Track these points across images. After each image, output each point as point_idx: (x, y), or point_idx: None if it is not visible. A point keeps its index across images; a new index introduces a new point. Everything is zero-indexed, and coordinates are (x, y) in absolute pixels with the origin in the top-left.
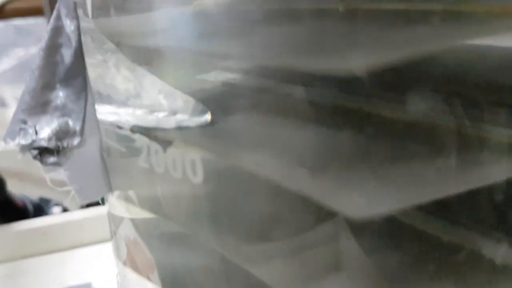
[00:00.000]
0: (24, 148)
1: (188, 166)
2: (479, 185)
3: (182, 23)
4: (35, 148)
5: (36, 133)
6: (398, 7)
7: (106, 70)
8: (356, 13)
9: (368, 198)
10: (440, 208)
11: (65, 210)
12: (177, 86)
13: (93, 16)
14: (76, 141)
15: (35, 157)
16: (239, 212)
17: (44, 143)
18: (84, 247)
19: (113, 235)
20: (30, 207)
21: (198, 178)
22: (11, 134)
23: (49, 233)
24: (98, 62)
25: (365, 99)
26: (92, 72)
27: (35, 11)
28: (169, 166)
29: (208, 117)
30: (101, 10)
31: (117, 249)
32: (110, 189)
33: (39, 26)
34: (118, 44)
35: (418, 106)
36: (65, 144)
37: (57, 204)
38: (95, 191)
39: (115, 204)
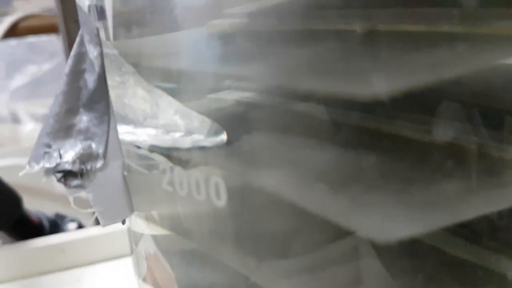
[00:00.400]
0: (48, 172)
1: (211, 190)
2: (502, 207)
3: (199, 45)
4: (59, 172)
5: (61, 156)
6: (418, 29)
7: (124, 91)
8: (376, 34)
9: (390, 221)
10: (463, 229)
11: (80, 225)
12: (193, 104)
13: (114, 38)
14: (99, 164)
15: (59, 180)
16: (260, 232)
17: (68, 167)
18: (101, 263)
19: (133, 250)
20: (46, 223)
21: (221, 201)
22: (35, 158)
23: (66, 249)
24: (117, 84)
25: (387, 119)
26: (110, 93)
27: (49, 29)
28: (192, 189)
29: (224, 137)
30: (121, 32)
31: (137, 264)
32: (132, 211)
33: (52, 43)
34: (136, 66)
35: (440, 127)
36: (88, 167)
37: (72, 220)
38: (118, 213)
39: (136, 221)
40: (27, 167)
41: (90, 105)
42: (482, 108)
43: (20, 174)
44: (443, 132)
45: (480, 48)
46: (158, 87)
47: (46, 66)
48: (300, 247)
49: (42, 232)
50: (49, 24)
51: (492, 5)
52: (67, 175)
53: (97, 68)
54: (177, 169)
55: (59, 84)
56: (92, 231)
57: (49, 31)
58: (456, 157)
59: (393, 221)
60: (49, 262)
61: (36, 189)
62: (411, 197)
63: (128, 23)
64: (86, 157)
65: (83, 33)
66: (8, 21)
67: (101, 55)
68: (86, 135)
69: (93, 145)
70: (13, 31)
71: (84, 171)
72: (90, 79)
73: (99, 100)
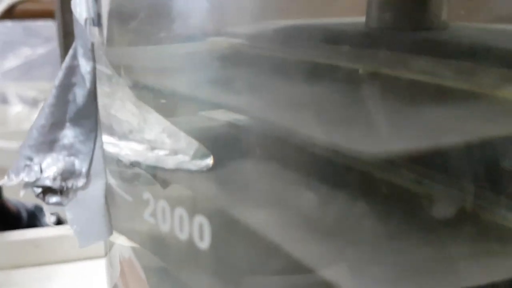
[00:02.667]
0: (27, 185)
1: (195, 230)
2: (503, 278)
3: (193, 62)
4: (38, 186)
5: (41, 171)
6: (419, 78)
7: (112, 101)
8: (379, 79)
9: (374, 282)
10: None
11: (59, 219)
12: (183, 120)
13: (108, 45)
14: (81, 182)
15: (37, 196)
16: (242, 271)
17: (48, 182)
18: (74, 262)
19: (107, 252)
20: (24, 214)
21: (204, 243)
22: (15, 170)
23: (41, 245)
24: (105, 93)
25: (385, 168)
26: (98, 102)
27: (45, 14)
28: (175, 226)
29: (210, 161)
30: (116, 39)
31: (110, 267)
32: (111, 233)
33: (48, 28)
34: (128, 74)
35: (443, 184)
36: (69, 185)
37: (52, 213)
38: (96, 234)
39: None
40: (6, 178)
41: (77, 121)
42: (489, 172)
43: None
44: (446, 191)
45: (492, 112)
46: (148, 98)
47: (40, 50)
48: (276, 282)
49: (19, 222)
50: (46, 9)
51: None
52: (46, 191)
53: (88, 83)
54: (161, 202)
55: (48, 97)
56: (68, 228)
57: (45, 16)
58: (458, 220)
59: (377, 280)
60: (23, 257)
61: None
62: (401, 258)
63: (124, 30)
64: (68, 174)
65: (77, 46)
66: (5, 2)
67: (94, 70)
68: (70, 151)
69: (76, 162)
70: (10, 13)
71: (65, 189)
72: (79, 94)
73: (87, 116)
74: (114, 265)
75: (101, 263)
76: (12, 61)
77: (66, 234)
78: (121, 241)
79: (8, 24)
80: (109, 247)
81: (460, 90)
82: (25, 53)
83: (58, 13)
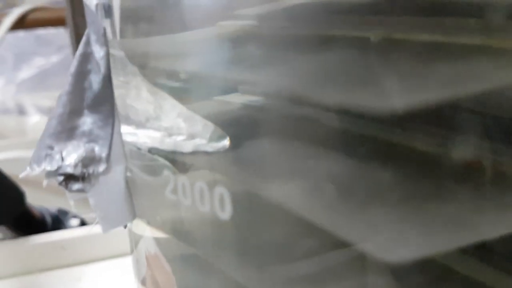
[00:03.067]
0: (49, 174)
1: (216, 201)
2: None
3: (207, 46)
4: (60, 175)
5: (62, 159)
6: (436, 39)
7: (127, 91)
8: (391, 43)
9: (399, 240)
10: (479, 250)
11: (83, 222)
12: (199, 106)
13: (121, 37)
14: (101, 167)
15: (60, 183)
16: (264, 242)
17: (70, 170)
18: (102, 262)
19: (133, 249)
20: (48, 219)
21: (225, 214)
22: (37, 160)
23: (67, 247)
24: (120, 83)
25: (401, 131)
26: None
27: (57, 22)
28: (196, 199)
29: (226, 142)
30: (128, 31)
31: (136, 263)
32: (134, 217)
33: (60, 36)
34: (142, 65)
35: (458, 142)
36: (91, 171)
37: (75, 216)
38: (119, 218)
39: (137, 223)
40: (28, 168)
41: (94, 107)
42: (501, 124)
43: (21, 176)
44: (459, 147)
45: (500, 62)
46: (164, 86)
47: (54, 59)
48: (303, 258)
49: (44, 227)
50: (57, 17)
51: None
52: (68, 179)
53: (102, 69)
54: (181, 178)
55: (64, 85)
56: (93, 228)
57: (57, 24)
58: (472, 174)
59: (402, 240)
60: (49, 259)
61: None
62: (422, 215)
63: (135, 21)
64: (88, 160)
65: (90, 33)
66: (16, 13)
67: (107, 56)
68: (90, 137)
69: (96, 148)
70: (21, 23)
71: (86, 175)
72: (95, 80)
73: (103, 102)
74: (140, 261)
75: (128, 261)
76: (26, 72)
77: (92, 234)
78: (145, 233)
79: (20, 34)
80: (134, 243)
81: (470, 46)
82: (39, 62)
83: (69, 20)
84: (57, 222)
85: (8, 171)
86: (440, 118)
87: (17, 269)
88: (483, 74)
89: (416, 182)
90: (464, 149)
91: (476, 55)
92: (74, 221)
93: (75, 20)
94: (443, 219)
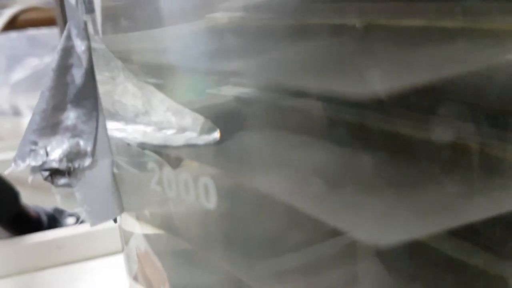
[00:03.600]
0: (34, 170)
1: (201, 191)
2: (505, 210)
3: (194, 39)
4: (46, 170)
5: (47, 154)
6: (418, 23)
7: (113, 87)
8: (375, 30)
9: (386, 224)
10: (469, 232)
11: (79, 219)
12: (187, 101)
13: (103, 33)
14: (87, 162)
15: (46, 179)
16: (252, 233)
17: (55, 165)
18: (97, 259)
19: (123, 247)
20: (44, 218)
21: (211, 203)
22: (21, 156)
23: (62, 245)
24: (106, 79)
25: (385, 117)
26: (99, 89)
27: (48, 22)
28: (181, 190)
29: (217, 135)
30: (111, 26)
31: (127, 261)
32: (122, 210)
33: (53, 36)
34: (127, 61)
35: (441, 126)
36: (76, 165)
37: (71, 215)
38: (106, 212)
39: (126, 220)
40: (13, 164)
41: (77, 101)
42: (485, 107)
43: (6, 172)
44: (444, 131)
45: (482, 44)
46: (151, 82)
47: (47, 59)
48: (293, 248)
49: (40, 226)
50: (50, 17)
51: None
52: (54, 173)
53: (84, 63)
54: (166, 169)
55: (46, 80)
56: (88, 226)
57: (49, 24)
58: (458, 158)
59: (390, 224)
60: (45, 258)
61: (36, 182)
62: (409, 199)
63: (118, 16)
64: (73, 155)
65: (70, 27)
66: (8, 13)
67: (89, 49)
68: (74, 132)
69: (81, 143)
70: (13, 24)
71: (72, 169)
72: (77, 75)
73: (87, 96)
74: (131, 258)
75: (121, 258)
76: (20, 73)
77: (87, 233)
78: (135, 229)
79: (13, 35)
80: (125, 241)
81: (452, 29)
82: (32, 63)
83: (59, 19)
84: (53, 221)
85: (3, 172)
86: (424, 102)
87: (13, 269)
88: (464, 56)
89: (402, 167)
90: (449, 133)
91: (457, 38)
92: (71, 219)
93: (65, 19)
94: (431, 202)
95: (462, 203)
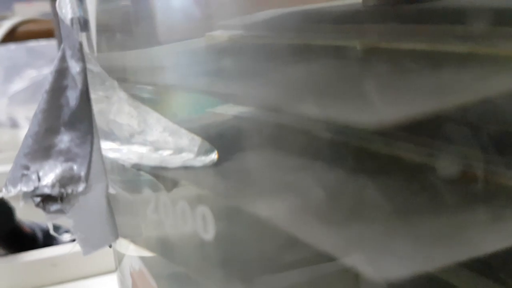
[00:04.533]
0: (26, 196)
1: (198, 221)
2: None
3: (193, 58)
4: (37, 196)
5: (39, 179)
6: (421, 47)
7: (108, 106)
8: (376, 52)
9: (391, 258)
10: (477, 263)
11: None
12: (185, 119)
13: (98, 51)
14: (81, 187)
15: (37, 205)
16: (249, 257)
17: (47, 190)
18: (93, 278)
19: (117, 265)
20: (39, 235)
21: (209, 234)
22: (12, 181)
23: (58, 263)
24: (101, 98)
25: (390, 141)
26: (94, 108)
27: (47, 34)
28: (178, 219)
29: (214, 156)
30: (106, 44)
31: (121, 280)
32: (117, 237)
33: (51, 48)
34: (122, 80)
35: (449, 152)
36: (69, 191)
37: (67, 231)
38: (100, 239)
39: (120, 242)
40: (3, 190)
41: (71, 124)
42: (492, 133)
43: None
44: (452, 158)
45: (488, 71)
46: (147, 100)
47: (46, 71)
48: (290, 273)
49: (36, 243)
50: (48, 29)
51: (503, 23)
52: (46, 199)
53: (79, 84)
54: (162, 197)
55: (39, 102)
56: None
57: (48, 36)
58: (466, 186)
59: (396, 256)
60: (41, 277)
61: None
62: (415, 229)
63: (113, 35)
64: (66, 180)
65: (65, 48)
66: (6, 25)
67: (84, 71)
68: (67, 156)
69: (75, 167)
70: (12, 36)
71: (65, 195)
72: (72, 97)
73: (81, 119)
74: (125, 277)
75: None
76: (18, 84)
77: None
78: (129, 251)
79: (12, 47)
80: (119, 260)
81: (457, 54)
82: (31, 75)
83: (57, 32)
84: (49, 237)
85: (0, 185)
86: (429, 128)
87: (7, 287)
88: (470, 83)
89: (407, 195)
90: (455, 160)
91: (463, 63)
92: (67, 236)
93: None
94: (436, 233)
95: (470, 234)
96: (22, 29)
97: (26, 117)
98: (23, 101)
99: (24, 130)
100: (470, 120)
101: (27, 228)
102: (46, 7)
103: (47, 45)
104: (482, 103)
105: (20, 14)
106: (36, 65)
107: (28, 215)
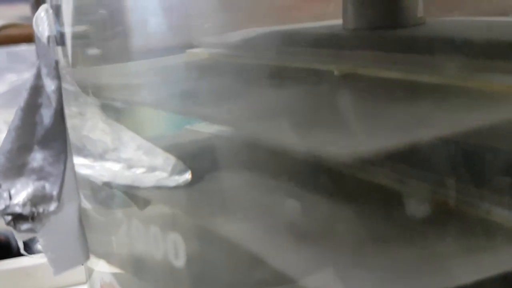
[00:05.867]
0: None
1: (170, 248)
2: (493, 273)
3: (170, 75)
4: (8, 214)
5: (10, 197)
6: (396, 76)
7: (82, 122)
8: (354, 79)
9: (361, 285)
10: None
11: None
12: (160, 136)
13: (73, 65)
14: (52, 206)
15: (8, 224)
16: (219, 282)
17: (18, 209)
18: None
19: (87, 278)
20: (14, 243)
21: (180, 261)
22: None
23: (32, 273)
24: (74, 114)
25: (369, 168)
26: (67, 123)
27: (28, 38)
28: (150, 244)
29: (188, 176)
30: (82, 58)
31: None
32: (88, 257)
33: (32, 53)
34: (96, 96)
35: (428, 182)
36: (40, 210)
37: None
38: (71, 260)
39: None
40: None
41: (45, 143)
42: (471, 164)
43: None
44: (427, 186)
45: (466, 103)
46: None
47: (26, 75)
48: None
49: (9, 251)
50: (29, 34)
51: (484, 56)
52: (17, 218)
53: (54, 103)
54: (134, 221)
55: (13, 119)
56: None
57: (29, 41)
58: (441, 216)
59: (364, 283)
60: (14, 286)
61: None
62: (387, 258)
63: (88, 48)
64: (38, 198)
65: (41, 66)
66: None
67: (59, 89)
68: (40, 174)
69: (47, 186)
70: None
71: (36, 214)
72: (46, 115)
73: (55, 138)
74: None
75: None
76: None
77: None
78: (100, 267)
79: None
80: (89, 273)
81: (434, 85)
82: (11, 79)
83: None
84: (24, 246)
85: None
86: (403, 155)
87: None
88: (447, 115)
89: (380, 220)
90: (429, 189)
91: (436, 95)
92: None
93: None
94: (408, 262)
95: (445, 266)
96: (2, 33)
97: (5, 121)
98: (3, 105)
99: (2, 134)
100: (445, 150)
101: (1, 236)
102: (26, 11)
103: (28, 50)
104: (457, 134)
105: (1, 18)
106: (16, 69)
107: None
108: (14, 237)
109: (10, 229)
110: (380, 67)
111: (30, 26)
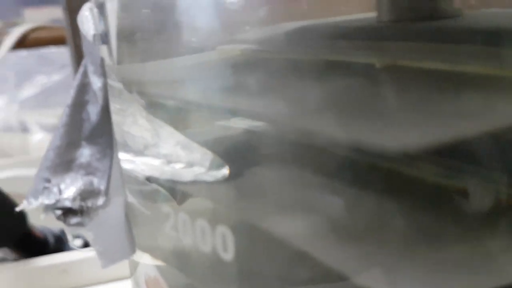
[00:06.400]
0: (47, 208)
1: (218, 241)
2: None
3: (205, 71)
4: (58, 208)
5: (60, 192)
6: (441, 67)
7: (123, 118)
8: (396, 71)
9: (410, 283)
10: None
11: (85, 242)
12: (196, 132)
13: (118, 63)
14: (100, 201)
15: (58, 218)
16: (265, 277)
17: (68, 203)
18: (105, 284)
19: (132, 272)
20: (51, 239)
21: (228, 255)
22: (34, 193)
23: (69, 269)
24: (116, 110)
25: (416, 163)
26: None
27: (58, 41)
28: (198, 238)
29: (226, 171)
30: (126, 57)
31: (136, 287)
32: (134, 251)
33: (62, 55)
34: (138, 93)
35: (477, 177)
36: (89, 204)
37: (78, 236)
38: (119, 253)
39: (137, 252)
40: (25, 202)
41: (92, 139)
42: None
43: (18, 209)
44: (479, 182)
45: None
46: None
47: (56, 77)
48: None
49: (47, 248)
50: (58, 36)
51: None
52: (66, 212)
53: (100, 100)
54: (182, 214)
55: (61, 116)
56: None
57: (58, 43)
58: (494, 212)
59: (414, 280)
60: (52, 282)
61: None
62: (438, 255)
63: (133, 47)
64: (87, 193)
65: (87, 63)
66: (17, 32)
67: (105, 86)
68: (88, 170)
69: (95, 181)
70: (23, 42)
71: (85, 209)
72: (93, 112)
73: (101, 134)
74: (140, 285)
75: (130, 284)
76: (29, 90)
77: (94, 257)
78: (145, 260)
79: (23, 53)
80: (133, 267)
81: (481, 76)
82: (41, 81)
83: (69, 39)
84: (60, 242)
85: (12, 189)
86: (454, 150)
87: None
88: (498, 107)
89: (429, 217)
90: (482, 185)
91: (489, 85)
92: (78, 241)
93: (75, 40)
94: (459, 259)
95: (497, 263)
96: (33, 36)
97: (37, 122)
98: (33, 107)
99: (34, 135)
100: (496, 145)
101: (38, 232)
102: (56, 13)
103: (57, 52)
104: (507, 128)
105: (30, 20)
106: (46, 71)
107: (40, 220)
108: (51, 234)
109: (46, 226)
110: (420, 59)
111: (59, 28)
